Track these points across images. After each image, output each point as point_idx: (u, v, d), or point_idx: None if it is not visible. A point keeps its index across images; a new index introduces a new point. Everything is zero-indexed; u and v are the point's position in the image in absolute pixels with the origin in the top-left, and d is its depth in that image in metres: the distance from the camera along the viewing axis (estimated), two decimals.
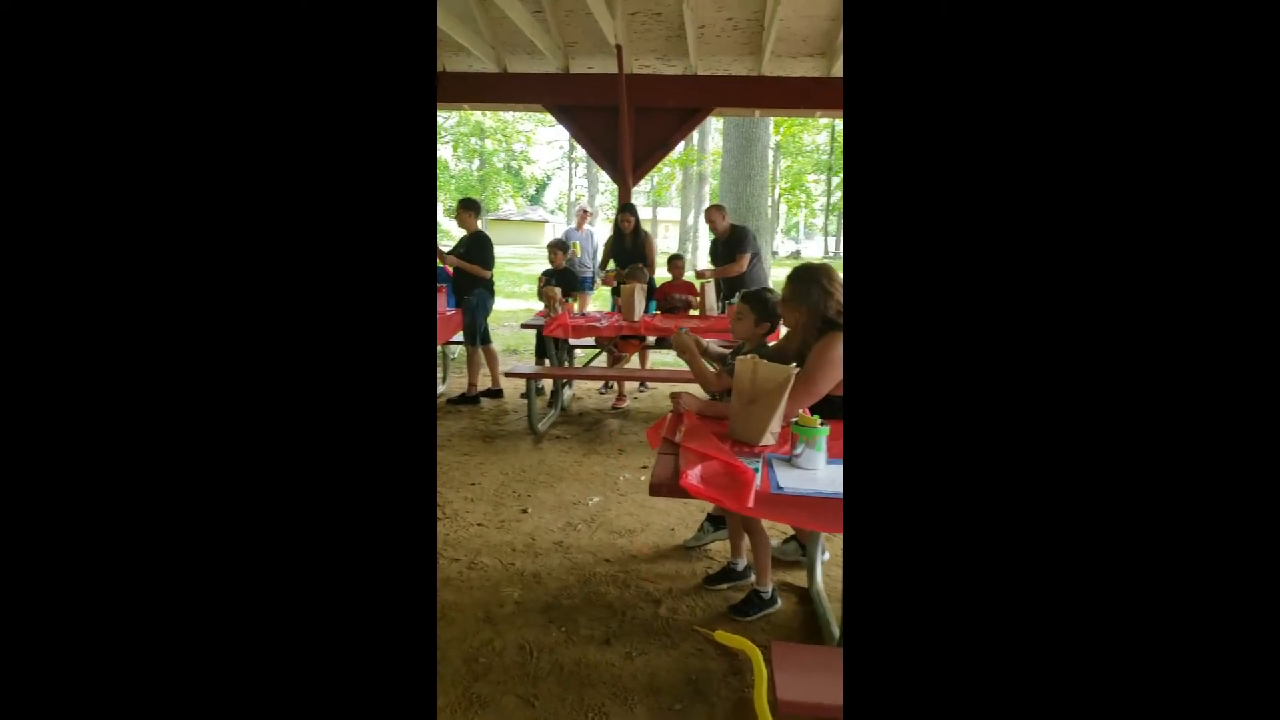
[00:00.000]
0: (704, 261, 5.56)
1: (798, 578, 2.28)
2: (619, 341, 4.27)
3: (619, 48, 4.59)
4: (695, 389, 2.31)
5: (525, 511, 2.74)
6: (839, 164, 25.24)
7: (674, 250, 10.36)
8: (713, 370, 2.30)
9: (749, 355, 1.86)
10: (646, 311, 4.15)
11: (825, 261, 2.75)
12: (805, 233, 37.29)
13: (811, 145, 28.17)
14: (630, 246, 4.47)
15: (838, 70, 4.83)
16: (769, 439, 1.71)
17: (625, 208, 4.55)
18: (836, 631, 1.86)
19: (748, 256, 4.35)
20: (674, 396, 1.99)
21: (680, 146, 9.30)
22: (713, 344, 2.44)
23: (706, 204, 15.39)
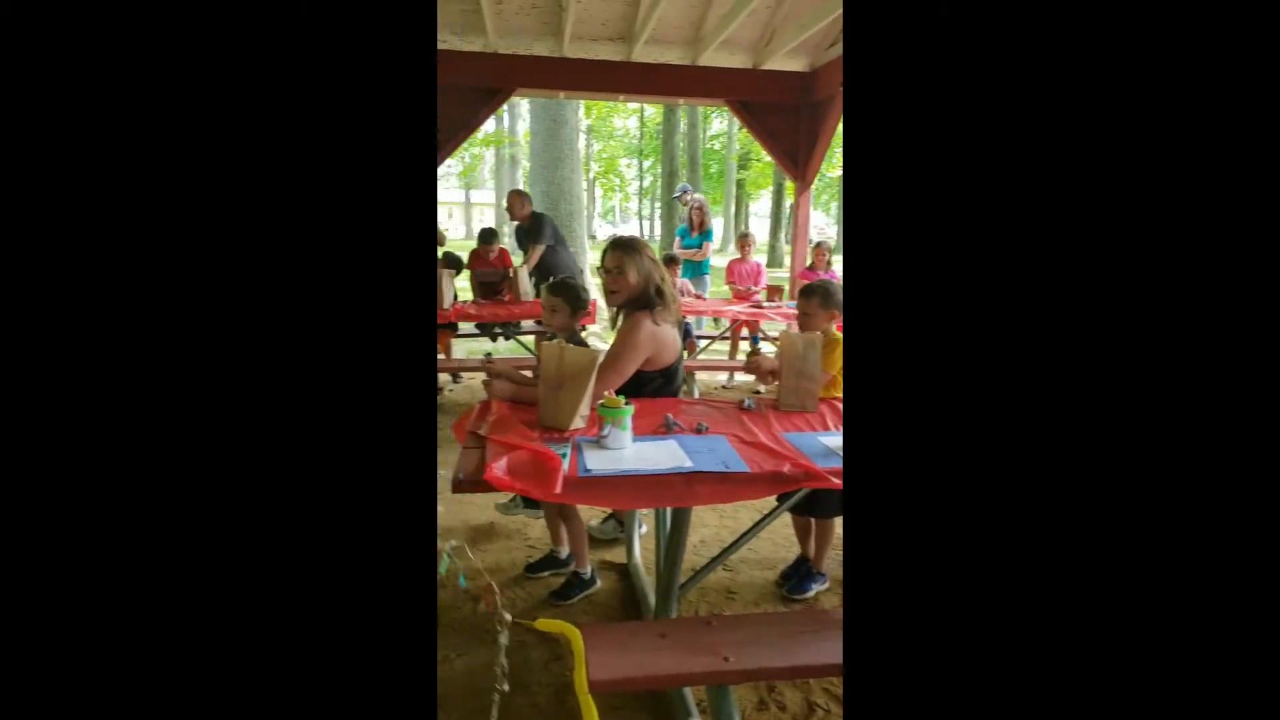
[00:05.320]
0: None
1: (617, 555, 2.33)
2: None
3: None
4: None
5: None
6: (649, 148, 26.03)
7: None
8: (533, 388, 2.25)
9: (556, 340, 1.84)
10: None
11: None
12: (621, 216, 38.10)
13: (623, 130, 28.75)
14: None
15: (638, 55, 4.93)
16: (579, 422, 1.71)
17: None
18: (653, 602, 1.93)
19: (540, 248, 4.34)
20: (487, 381, 1.92)
21: (491, 126, 9.01)
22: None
23: (520, 187, 15.05)
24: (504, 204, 5.21)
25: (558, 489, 1.39)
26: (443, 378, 4.44)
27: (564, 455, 1.50)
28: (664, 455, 1.54)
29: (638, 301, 1.98)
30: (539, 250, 4.29)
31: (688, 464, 1.48)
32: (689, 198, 6.14)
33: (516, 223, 4.50)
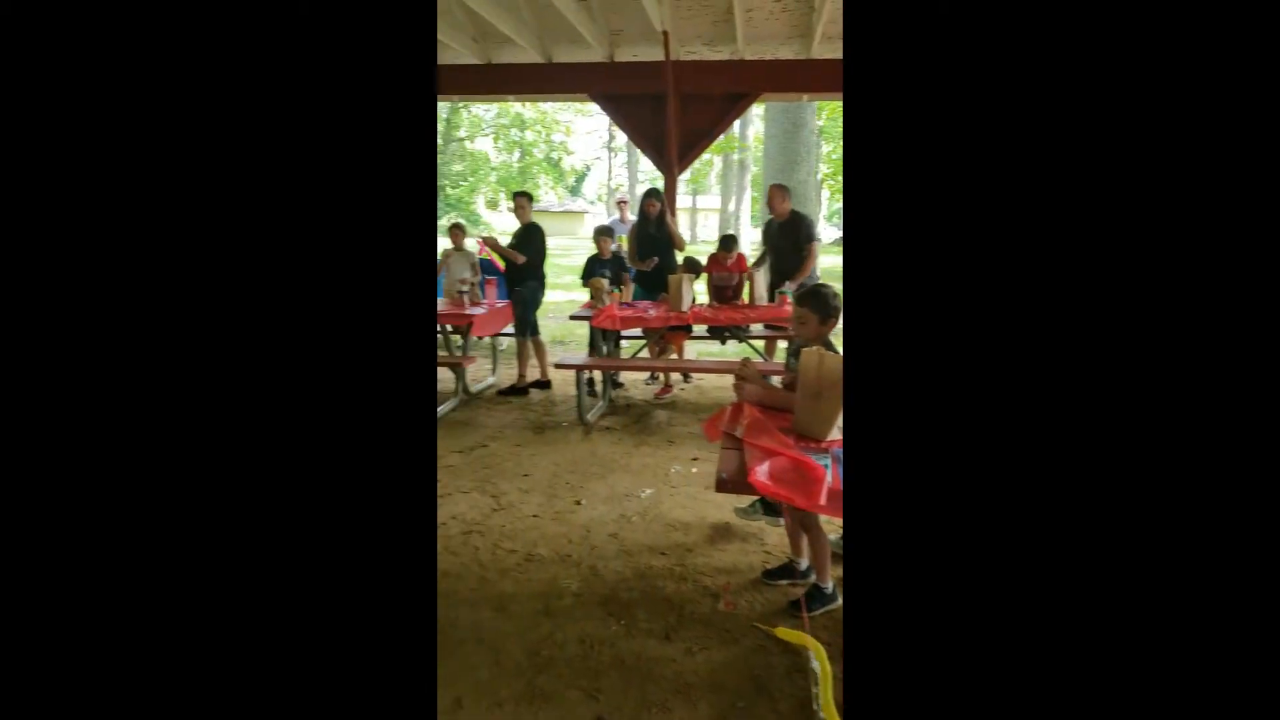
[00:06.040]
0: (748, 248, 5.45)
1: None
2: (666, 333, 4.24)
3: (665, 34, 4.53)
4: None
5: (579, 503, 2.74)
6: None
7: (716, 239, 10.19)
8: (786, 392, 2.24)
9: (814, 347, 1.81)
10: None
11: None
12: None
13: None
14: (655, 231, 4.42)
15: None
16: (836, 433, 1.66)
17: (651, 193, 4.48)
18: None
19: (814, 245, 4.24)
20: (736, 383, 1.95)
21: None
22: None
23: (748, 191, 14.89)
24: (728, 209, 5.21)
25: (822, 500, 1.36)
26: (674, 376, 4.61)
27: (825, 466, 1.46)
28: None
29: None
30: (815, 247, 4.23)
31: None
32: None
33: (769, 219, 4.48)
